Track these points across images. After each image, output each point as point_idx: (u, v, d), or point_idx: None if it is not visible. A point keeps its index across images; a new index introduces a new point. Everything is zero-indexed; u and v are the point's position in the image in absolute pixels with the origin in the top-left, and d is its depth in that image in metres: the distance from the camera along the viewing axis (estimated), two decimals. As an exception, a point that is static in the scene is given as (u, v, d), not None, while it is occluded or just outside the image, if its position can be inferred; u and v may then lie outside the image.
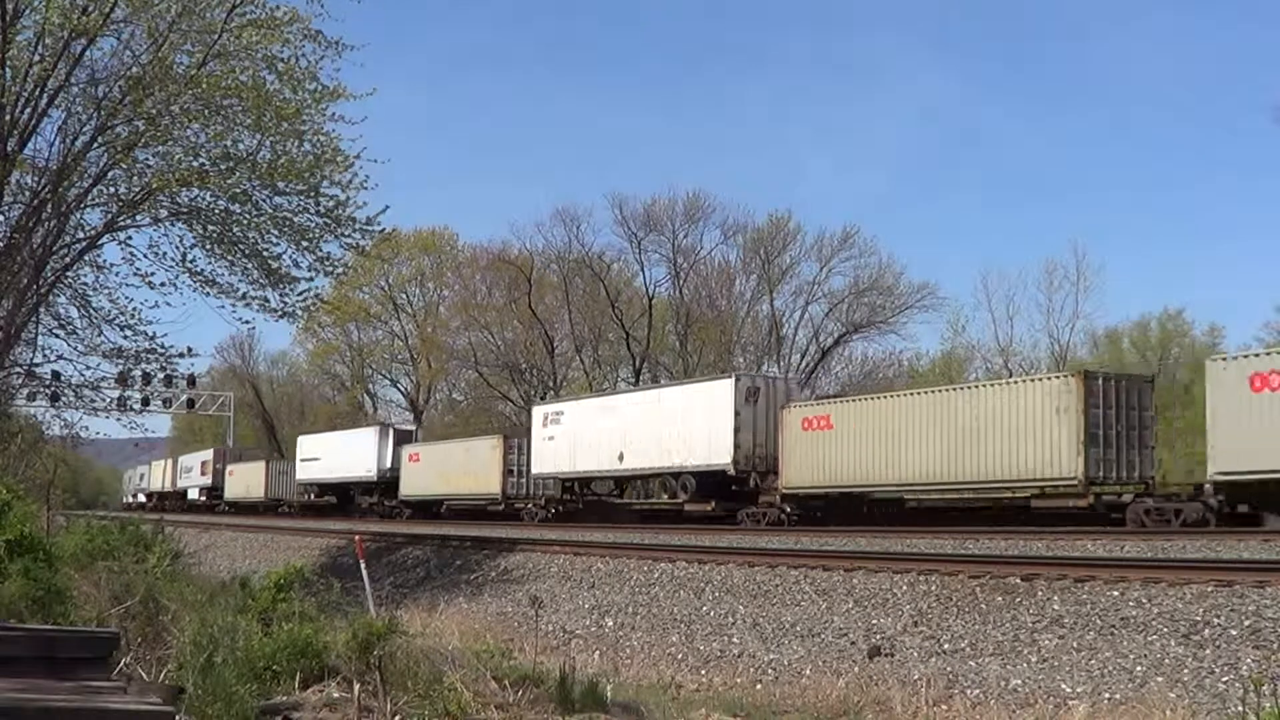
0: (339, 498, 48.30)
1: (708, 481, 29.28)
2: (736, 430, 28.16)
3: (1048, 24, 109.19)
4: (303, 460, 50.16)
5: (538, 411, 36.99)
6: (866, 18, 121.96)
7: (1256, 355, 20.91)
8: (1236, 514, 19.96)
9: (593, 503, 34.39)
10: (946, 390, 25.82)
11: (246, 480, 56.62)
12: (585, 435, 33.19)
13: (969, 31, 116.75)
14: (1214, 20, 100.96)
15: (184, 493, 65.52)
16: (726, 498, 28.97)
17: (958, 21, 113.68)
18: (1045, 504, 23.16)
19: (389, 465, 43.94)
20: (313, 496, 50.09)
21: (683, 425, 29.61)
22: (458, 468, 39.54)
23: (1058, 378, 23.51)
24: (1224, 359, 21.31)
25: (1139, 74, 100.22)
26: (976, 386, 25.84)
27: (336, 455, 47.17)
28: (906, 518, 25.71)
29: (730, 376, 29.88)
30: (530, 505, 35.78)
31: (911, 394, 26.62)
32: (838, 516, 26.27)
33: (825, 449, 26.44)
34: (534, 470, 35.82)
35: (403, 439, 44.76)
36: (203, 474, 61.81)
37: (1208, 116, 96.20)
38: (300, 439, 53.47)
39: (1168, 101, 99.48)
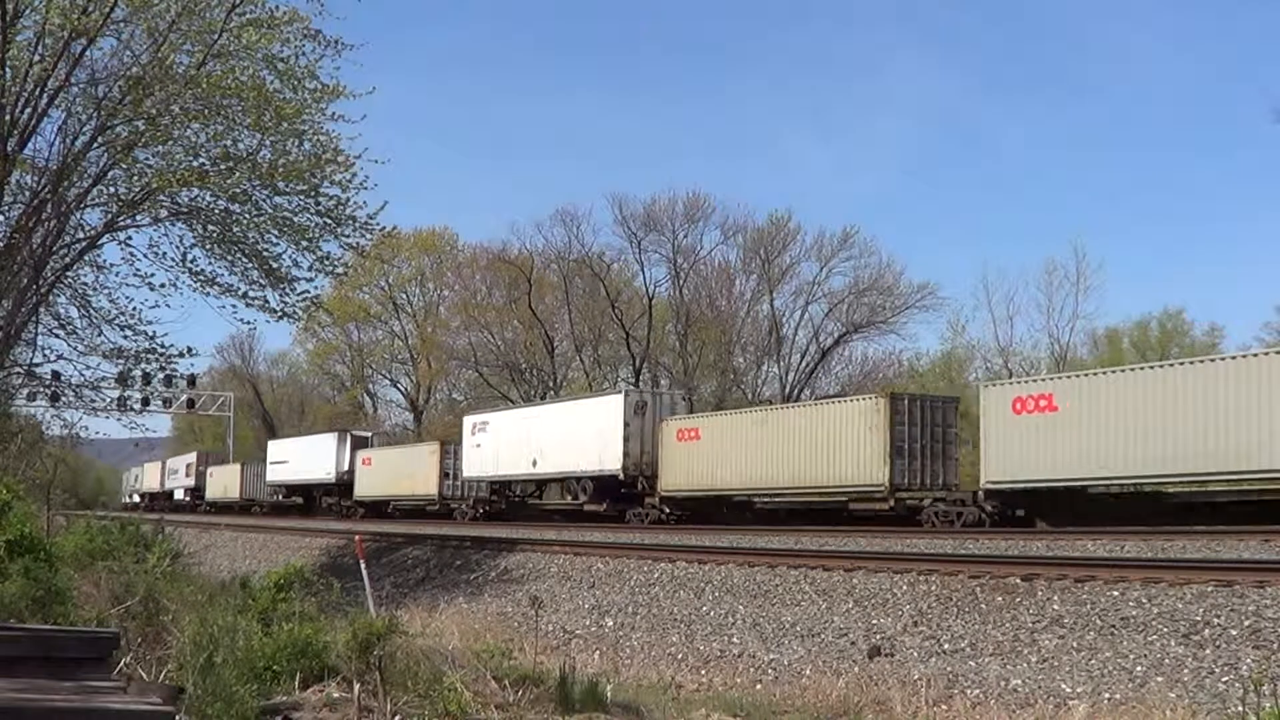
0: (304, 498, 51.70)
1: (603, 485, 32.72)
2: (626, 440, 31.66)
3: (1048, 23, 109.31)
4: (272, 463, 53.17)
5: (468, 421, 40.36)
6: (867, 17, 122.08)
7: (1018, 383, 25.90)
8: (1014, 517, 23.76)
9: (515, 503, 37.85)
10: (785, 408, 31.34)
11: (224, 481, 59.73)
12: (506, 443, 36.77)
13: (969, 31, 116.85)
14: (1214, 20, 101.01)
15: (170, 493, 68.41)
16: (618, 499, 32.34)
17: (958, 21, 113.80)
18: (859, 506, 26.76)
19: (346, 468, 47.20)
20: (281, 497, 53.45)
21: (582, 435, 33.05)
22: (402, 471, 43.10)
23: (869, 399, 27.65)
24: (994, 385, 26.03)
25: (1139, 73, 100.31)
26: (807, 406, 30.63)
27: (301, 459, 50.45)
28: (758, 518, 29.29)
29: (621, 392, 33.42)
30: (463, 505, 39.28)
31: (758, 410, 31.64)
32: (705, 517, 29.75)
33: (694, 458, 30.22)
34: (465, 474, 39.28)
35: (359, 444, 47.93)
36: (187, 475, 65.15)
37: (1208, 116, 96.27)
38: (270, 444, 56.38)
39: (1168, 101, 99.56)
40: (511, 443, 36.46)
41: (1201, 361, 22.24)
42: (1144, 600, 12.72)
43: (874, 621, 14.50)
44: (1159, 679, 11.15)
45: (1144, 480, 22.69)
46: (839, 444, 26.66)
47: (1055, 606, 13.25)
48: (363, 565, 16.07)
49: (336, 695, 8.07)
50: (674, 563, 19.06)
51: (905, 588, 15.11)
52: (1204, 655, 11.32)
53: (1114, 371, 23.97)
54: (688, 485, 30.34)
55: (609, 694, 9.88)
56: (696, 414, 33.71)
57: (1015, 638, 12.89)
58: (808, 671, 13.55)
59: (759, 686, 13.52)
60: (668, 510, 30.63)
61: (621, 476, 31.75)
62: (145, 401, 41.20)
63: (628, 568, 19.69)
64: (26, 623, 7.53)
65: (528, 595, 17.85)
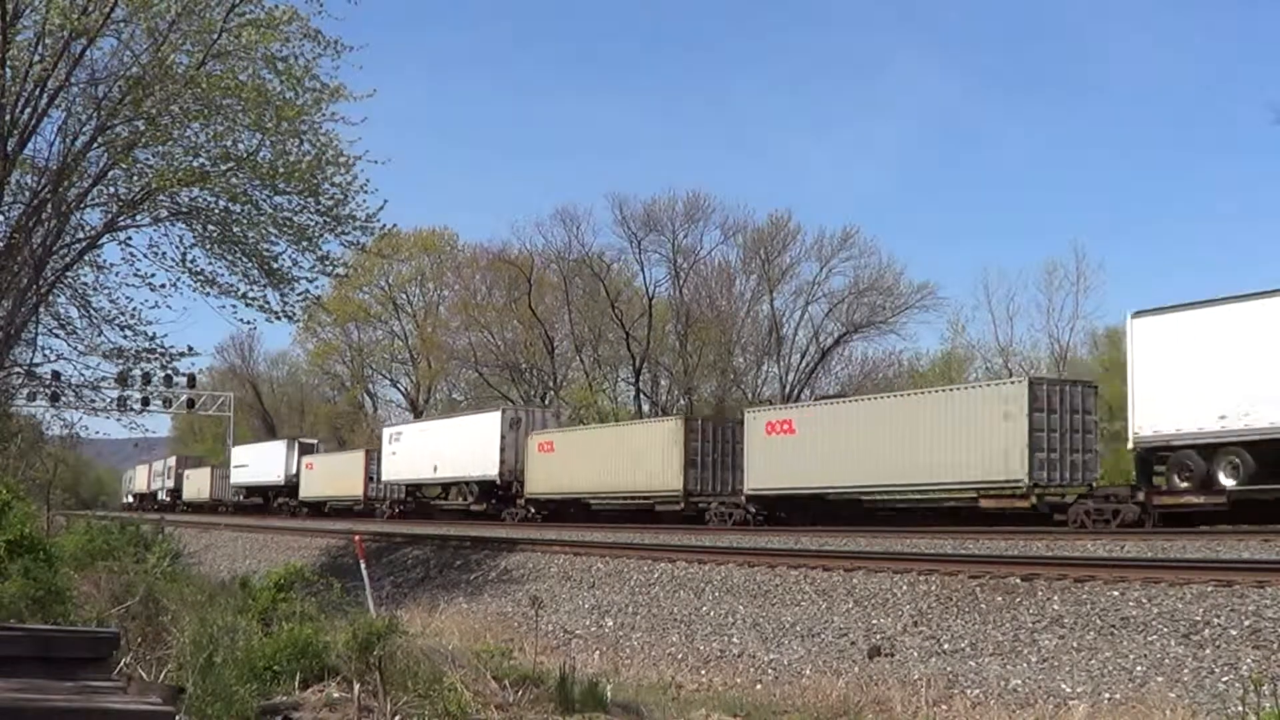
0: (262, 498, 57.12)
1: (485, 488, 39.15)
2: (502, 451, 37.74)
3: (1048, 24, 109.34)
4: (235, 467, 58.99)
5: (386, 432, 46.92)
6: (867, 18, 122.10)
7: (770, 409, 32.32)
8: (774, 517, 28.01)
9: (423, 503, 44.31)
10: (616, 426, 39.65)
11: (198, 484, 65.01)
12: (414, 452, 42.61)
13: (969, 31, 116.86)
14: (1214, 20, 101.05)
15: (155, 494, 72.00)
16: (497, 500, 38.24)
17: (958, 21, 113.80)
18: (665, 507, 32.06)
19: (294, 472, 53.03)
20: (242, 497, 58.77)
21: (470, 446, 39.12)
22: (337, 474, 49.14)
23: (670, 421, 33.97)
24: (752, 411, 31.42)
25: (1139, 74, 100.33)
26: (628, 425, 38.13)
27: (258, 463, 56.54)
28: (592, 516, 34.48)
29: (499, 410, 40.39)
30: (382, 505, 45.06)
31: (592, 429, 39.95)
32: (562, 516, 34.47)
33: (549, 466, 35.77)
34: (384, 478, 45.29)
35: (305, 450, 53.92)
36: (168, 478, 70.09)
37: (1208, 116, 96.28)
38: (233, 450, 61.81)
39: (1168, 101, 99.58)
40: (418, 451, 42.37)
41: (896, 395, 28.74)
42: (1144, 600, 12.71)
43: (874, 621, 14.50)
44: (1159, 679, 11.15)
45: (858, 490, 27.45)
46: (649, 458, 31.84)
47: (1055, 606, 13.25)
48: (363, 565, 16.08)
49: (336, 695, 8.08)
50: (674, 563, 19.06)
51: (905, 588, 15.11)
52: (1204, 655, 11.32)
53: (837, 401, 30.70)
54: (546, 489, 35.78)
55: (609, 694, 9.88)
56: (551, 429, 38.42)
57: (1015, 638, 12.89)
58: (808, 671, 13.55)
59: (759, 686, 13.52)
60: (533, 510, 35.84)
61: (498, 481, 37.97)
62: (145, 401, 41.16)
63: (628, 568, 19.69)
64: (26, 623, 7.53)
65: (528, 595, 17.85)
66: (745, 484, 28.62)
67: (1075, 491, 22.78)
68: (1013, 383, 26.30)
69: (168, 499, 67.35)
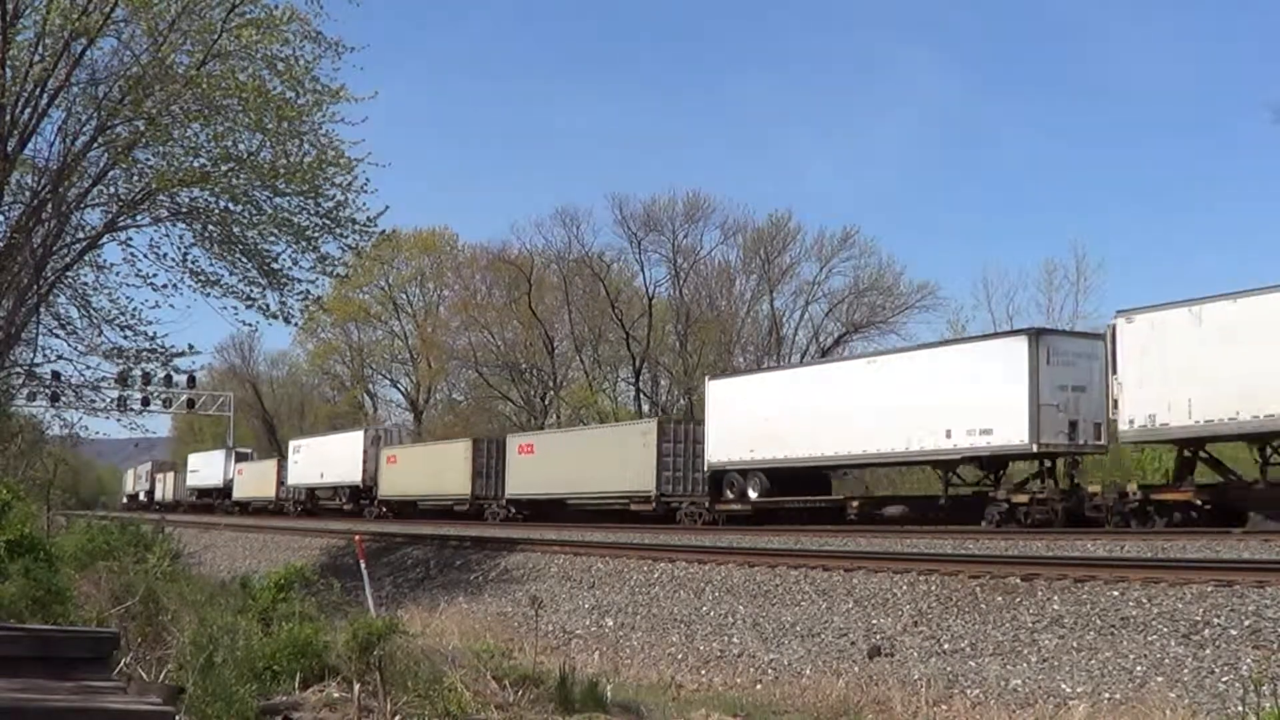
0: (212, 499, 64.26)
1: (353, 491, 48.74)
2: (364, 462, 47.53)
3: (1049, 24, 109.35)
4: (190, 471, 67.70)
5: (291, 444, 56.06)
6: (867, 18, 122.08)
7: (521, 435, 42.04)
8: (529, 516, 36.71)
9: (317, 503, 52.55)
10: (434, 444, 47.66)
11: (166, 486, 72.42)
12: (309, 461, 52.49)
13: (970, 31, 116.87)
14: (1214, 20, 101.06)
15: (137, 495, 77.26)
16: (361, 500, 47.89)
17: (959, 21, 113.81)
18: (460, 508, 40.21)
19: (230, 476, 61.79)
20: (195, 498, 65.94)
21: (343, 457, 49.06)
22: (258, 478, 58.77)
23: (461, 443, 42.69)
24: (511, 435, 42.30)
25: (1139, 73, 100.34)
26: (431, 445, 47.53)
27: (204, 469, 65.77)
28: (422, 515, 42.11)
29: (362, 430, 51.35)
30: (288, 505, 53.80)
31: (424, 445, 49.01)
32: (406, 515, 42.69)
33: (396, 474, 45.31)
34: (289, 482, 54.27)
35: (241, 458, 62.81)
36: (146, 481, 76.73)
37: (1208, 116, 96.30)
38: (190, 456, 69.61)
39: (1168, 101, 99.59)
40: (311, 461, 52.20)
41: (581, 430, 40.98)
42: (1144, 600, 12.71)
43: (874, 621, 14.50)
44: (1159, 679, 11.15)
45: (564, 495, 36.22)
46: (447, 472, 41.30)
47: (1055, 606, 13.25)
48: (363, 565, 16.09)
49: (336, 695, 8.08)
50: (674, 563, 19.06)
51: (905, 588, 15.10)
52: (1204, 655, 11.32)
53: (550, 432, 44.82)
54: (392, 493, 45.45)
55: (609, 694, 9.89)
56: (396, 445, 48.44)
57: (1015, 638, 12.89)
58: (808, 671, 13.55)
59: (759, 686, 13.52)
60: (385, 509, 45.23)
61: (361, 486, 47.82)
62: (145, 401, 41.24)
63: (628, 568, 19.69)
64: (26, 623, 7.53)
65: (528, 595, 17.85)
66: (507, 491, 38.76)
67: (685, 499, 31.45)
68: (647, 421, 36.04)
69: (145, 500, 72.85)
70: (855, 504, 27.19)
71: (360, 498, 47.69)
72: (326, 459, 50.35)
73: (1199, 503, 20.10)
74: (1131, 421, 21.03)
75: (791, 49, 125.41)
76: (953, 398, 23.50)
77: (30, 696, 4.47)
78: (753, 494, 28.66)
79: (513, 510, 37.71)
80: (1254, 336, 19.02)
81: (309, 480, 52.05)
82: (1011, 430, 22.40)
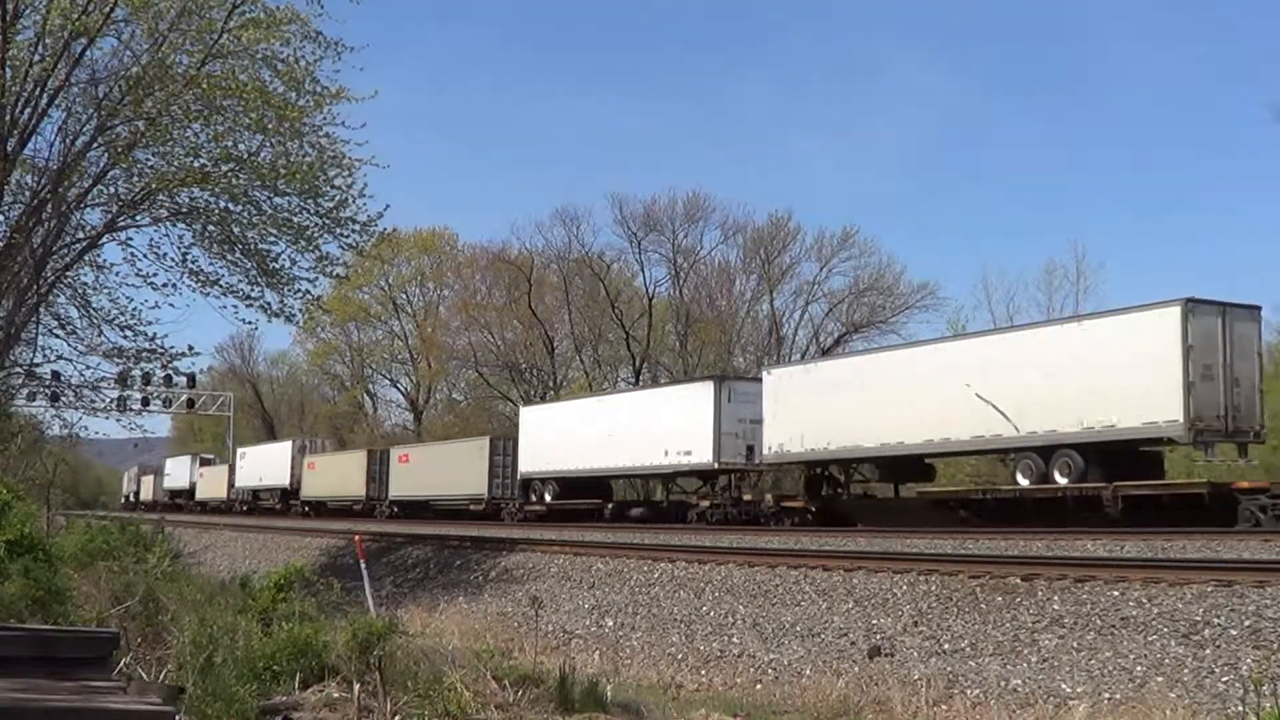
0: (181, 499, 69.97)
1: (283, 493, 56.02)
2: (292, 468, 55.06)
3: (1049, 23, 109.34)
4: (165, 475, 74.49)
5: (239, 451, 63.48)
6: (867, 17, 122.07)
7: (402, 448, 49.33)
8: (404, 515, 43.90)
9: (258, 502, 59.85)
10: (352, 451, 53.85)
11: (148, 488, 77.58)
12: (251, 466, 60.11)
13: (970, 31, 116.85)
14: (1214, 20, 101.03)
15: (127, 496, 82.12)
16: (289, 501, 55.21)
17: (958, 21, 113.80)
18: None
19: (194, 479, 69.25)
20: (168, 498, 71.11)
21: (277, 463, 56.83)
22: (213, 481, 65.99)
23: (358, 453, 51.06)
24: (392, 448, 49.72)
25: (1139, 73, 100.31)
26: (353, 452, 53.66)
27: (175, 472, 73.06)
28: (330, 513, 49.34)
29: (289, 441, 58.73)
30: (237, 504, 60.93)
31: (335, 455, 55.40)
32: (328, 514, 49.02)
33: (313, 478, 52.85)
34: (237, 484, 61.74)
35: (205, 463, 69.88)
36: (134, 483, 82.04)
37: (1208, 116, 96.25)
38: (167, 461, 76.63)
39: (1168, 101, 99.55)
40: (253, 466, 59.88)
41: (445, 444, 47.06)
42: (1144, 600, 12.71)
43: (874, 621, 14.49)
44: (1159, 679, 11.14)
45: (428, 498, 43.55)
46: (349, 476, 49.23)
47: (1055, 606, 13.25)
48: (363, 565, 16.07)
49: (336, 695, 8.08)
50: (674, 563, 19.05)
51: (905, 588, 15.10)
52: (1204, 655, 11.32)
53: (427, 445, 50.77)
54: (310, 494, 52.94)
55: (609, 694, 9.89)
56: (316, 454, 55.18)
57: (1015, 638, 12.89)
58: (808, 671, 13.55)
59: (759, 686, 13.52)
60: (306, 508, 52.47)
61: (289, 488, 55.13)
62: (145, 401, 41.17)
63: (628, 568, 19.68)
64: (26, 623, 7.53)
65: (528, 595, 17.85)
66: (390, 494, 46.01)
67: (509, 501, 38.64)
68: (481, 439, 41.95)
69: (134, 500, 77.41)
70: (610, 506, 34.87)
71: (289, 498, 55.31)
72: (265, 465, 58.45)
73: (811, 509, 28.04)
74: (769, 448, 28.52)
75: (791, 49, 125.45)
76: (668, 427, 31.43)
77: (30, 696, 4.47)
78: (548, 497, 36.85)
79: (394, 509, 45.36)
80: (839, 389, 26.76)
81: (252, 483, 59.84)
82: (703, 452, 30.23)
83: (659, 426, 31.54)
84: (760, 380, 30.40)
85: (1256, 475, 21.76)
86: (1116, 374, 20.72)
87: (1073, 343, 22.02)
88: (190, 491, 68.24)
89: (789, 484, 33.57)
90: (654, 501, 35.36)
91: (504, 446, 39.68)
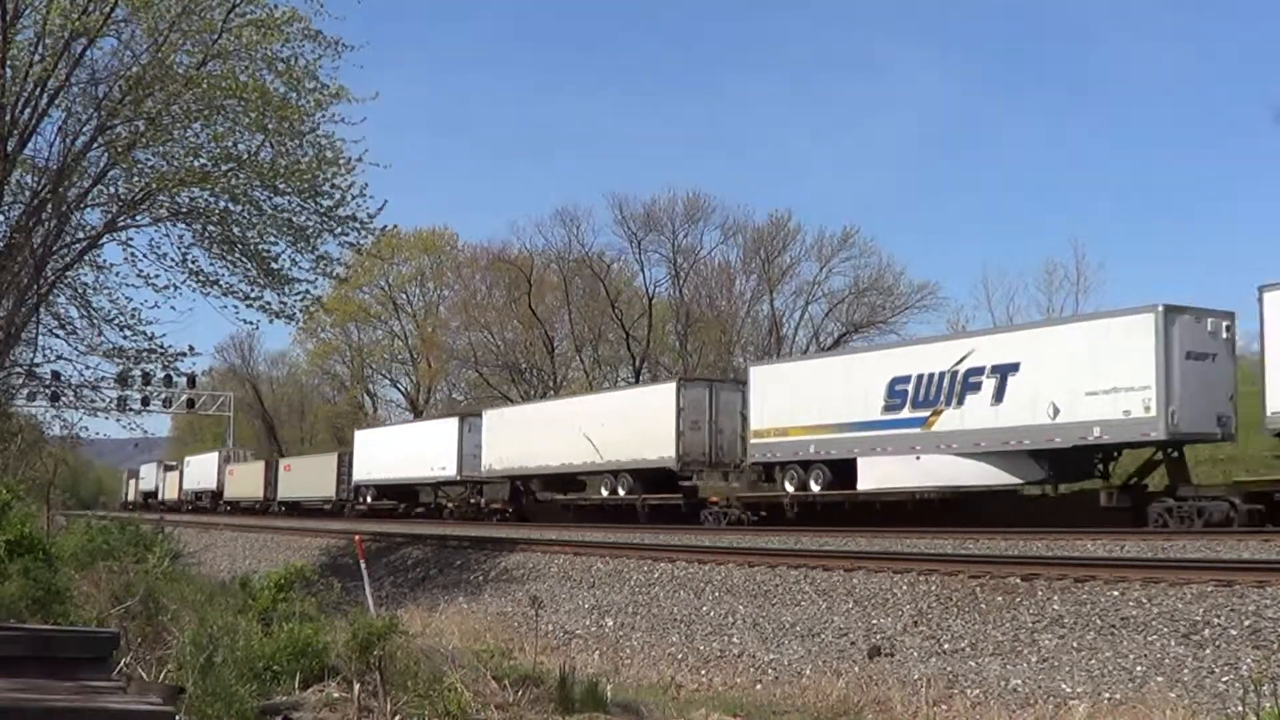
0: (149, 500, 74.81)
1: (212, 495, 65.57)
2: (220, 473, 65.28)
3: (1048, 24, 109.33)
4: (140, 478, 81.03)
5: (187, 459, 72.57)
6: (867, 17, 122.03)
7: (285, 457, 62.63)
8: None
9: (204, 504, 66.62)
10: (251, 462, 64.05)
11: (132, 490, 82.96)
12: (193, 471, 69.83)
13: (970, 31, 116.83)
14: (1214, 20, 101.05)
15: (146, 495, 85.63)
16: (218, 501, 64.16)
17: (959, 21, 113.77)
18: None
19: (158, 483, 76.52)
20: (143, 500, 75.32)
21: (208, 470, 67.24)
22: (172, 483, 73.50)
23: (254, 463, 63.69)
24: (281, 459, 61.87)
25: (1139, 74, 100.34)
26: (250, 462, 64.75)
27: (148, 476, 79.62)
28: (241, 512, 57.41)
29: (216, 452, 68.34)
30: (185, 505, 67.42)
31: (246, 464, 64.03)
32: (247, 512, 56.53)
33: (232, 483, 62.75)
34: (185, 487, 70.45)
35: (169, 469, 76.67)
36: (125, 485, 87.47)
37: (1208, 116, 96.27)
38: (141, 467, 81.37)
39: (1168, 101, 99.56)
40: (194, 472, 69.63)
41: (312, 454, 57.66)
42: (1144, 600, 12.71)
43: (874, 621, 14.50)
44: (1159, 679, 11.15)
45: (300, 499, 53.46)
46: (252, 479, 60.43)
47: (1055, 606, 13.25)
48: (363, 565, 16.07)
49: (336, 695, 8.08)
50: (674, 563, 19.06)
51: (905, 588, 15.10)
52: (1204, 655, 11.32)
53: (299, 456, 59.24)
54: (230, 496, 62.60)
55: (609, 694, 9.88)
56: (236, 463, 64.74)
57: (1015, 638, 12.89)
58: (808, 671, 13.55)
59: (759, 686, 13.53)
60: (229, 507, 60.99)
61: (215, 490, 65.23)
62: (145, 401, 41.18)
63: (628, 568, 19.69)
64: (26, 623, 7.53)
65: (528, 595, 17.85)
66: (279, 495, 56.22)
67: (349, 503, 48.66)
68: (332, 454, 53.25)
69: (125, 501, 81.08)
70: (402, 506, 45.72)
71: (216, 499, 64.74)
72: (201, 471, 68.79)
73: (509, 510, 38.56)
74: (485, 467, 38.84)
75: (791, 49, 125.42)
76: (433, 449, 41.76)
77: (30, 696, 4.47)
78: (369, 500, 47.38)
79: (281, 507, 55.02)
80: (522, 427, 38.07)
81: (195, 486, 69.49)
82: (451, 468, 40.75)
83: (431, 449, 41.98)
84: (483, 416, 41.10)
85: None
86: (646, 425, 31.05)
87: (623, 403, 34.37)
88: (155, 493, 76.33)
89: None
90: (428, 503, 45.43)
91: (347, 459, 49.66)
